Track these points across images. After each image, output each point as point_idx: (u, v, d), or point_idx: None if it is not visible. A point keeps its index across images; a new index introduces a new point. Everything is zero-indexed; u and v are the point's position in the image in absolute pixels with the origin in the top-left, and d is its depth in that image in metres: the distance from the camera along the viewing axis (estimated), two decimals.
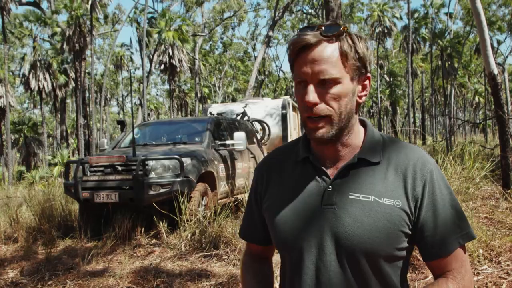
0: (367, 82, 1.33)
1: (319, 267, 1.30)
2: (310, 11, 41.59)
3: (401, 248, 1.28)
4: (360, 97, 1.32)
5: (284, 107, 12.17)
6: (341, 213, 1.28)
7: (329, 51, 1.24)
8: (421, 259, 4.53)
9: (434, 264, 1.31)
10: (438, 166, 1.33)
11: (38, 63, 35.05)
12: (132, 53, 54.21)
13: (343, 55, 1.25)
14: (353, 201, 1.28)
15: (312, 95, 1.25)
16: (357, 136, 1.35)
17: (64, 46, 33.44)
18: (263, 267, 1.58)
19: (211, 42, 50.76)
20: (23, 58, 36.27)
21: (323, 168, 1.34)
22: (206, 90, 52.59)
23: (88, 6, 31.97)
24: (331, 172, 1.34)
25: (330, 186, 1.31)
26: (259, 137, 11.15)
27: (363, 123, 1.41)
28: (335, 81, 1.25)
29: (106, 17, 39.63)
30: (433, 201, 1.27)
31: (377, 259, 1.26)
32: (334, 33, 1.25)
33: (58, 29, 33.81)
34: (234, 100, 50.97)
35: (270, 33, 24.33)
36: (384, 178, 1.29)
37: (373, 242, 1.24)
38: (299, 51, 1.27)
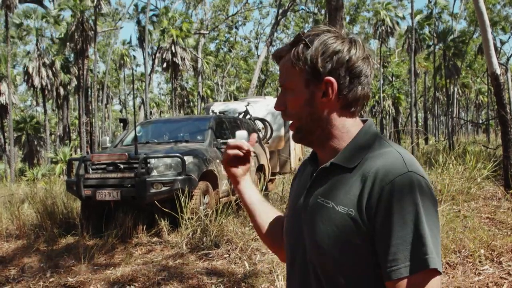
0: (329, 87, 1.25)
1: (295, 265, 1.35)
2: (314, 10, 41.53)
3: (356, 261, 1.20)
4: (323, 103, 1.27)
5: None
6: (308, 217, 1.29)
7: (284, 61, 1.32)
8: None
9: (387, 285, 1.16)
10: (412, 177, 1.16)
11: (41, 61, 35.10)
12: (134, 50, 54.14)
13: (291, 62, 1.29)
14: (318, 206, 1.27)
15: (276, 101, 1.36)
16: (343, 140, 1.31)
17: (67, 43, 33.53)
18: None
19: (217, 41, 50.63)
20: (28, 54, 36.32)
21: (314, 171, 1.37)
22: (208, 91, 52.57)
23: (90, 3, 32.00)
24: None
25: (308, 189, 1.34)
26: (261, 135, 11.15)
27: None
28: (289, 88, 1.32)
29: (108, 14, 39.63)
30: (388, 217, 1.14)
31: (331, 266, 1.22)
32: (289, 43, 1.32)
33: (63, 27, 33.87)
34: (236, 99, 50.96)
35: (273, 34, 24.31)
36: (350, 184, 1.23)
37: (325, 249, 1.21)
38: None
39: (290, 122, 1.36)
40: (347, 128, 1.31)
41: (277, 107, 1.36)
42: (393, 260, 1.13)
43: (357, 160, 1.26)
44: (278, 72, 1.38)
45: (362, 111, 1.37)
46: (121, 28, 43.34)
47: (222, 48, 50.96)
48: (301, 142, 1.37)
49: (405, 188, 1.15)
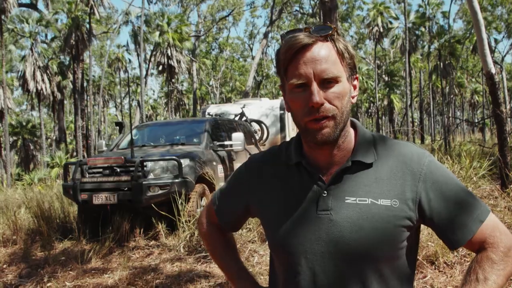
0: (356, 82, 1.33)
1: (317, 272, 1.28)
2: (308, 11, 41.55)
3: (402, 248, 1.27)
4: (353, 97, 1.32)
5: (282, 107, 12.15)
6: (338, 218, 1.25)
7: (327, 50, 1.23)
8: (419, 258, 4.54)
9: (466, 246, 1.30)
10: (431, 155, 1.32)
11: (36, 65, 35.03)
12: (129, 53, 54.13)
13: (340, 54, 1.25)
14: (350, 205, 1.26)
15: (318, 95, 1.21)
16: (350, 137, 1.34)
17: (63, 47, 33.51)
18: (229, 238, 1.68)
19: (206, 44, 50.72)
20: (23, 58, 36.26)
21: (317, 173, 1.32)
22: (204, 93, 52.60)
23: (86, 8, 32.02)
24: (325, 177, 1.32)
25: (325, 192, 1.29)
26: (257, 137, 11.15)
27: (353, 124, 1.38)
28: (336, 80, 1.23)
29: (101, 21, 39.58)
30: (440, 190, 1.26)
31: (377, 262, 1.25)
32: (328, 32, 1.24)
33: (58, 31, 33.88)
34: (230, 101, 51.04)
35: (268, 35, 24.30)
36: (380, 178, 1.27)
37: (372, 246, 1.23)
38: (294, 54, 1.24)
39: (321, 117, 1.23)
40: (349, 126, 1.36)
41: (321, 101, 1.21)
42: (460, 224, 1.27)
43: (371, 154, 1.30)
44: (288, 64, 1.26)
45: (357, 112, 1.39)
46: (113, 32, 43.24)
47: (214, 50, 51.07)
48: (334, 139, 1.27)
49: (437, 164, 1.31)
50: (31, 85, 34.86)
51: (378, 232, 1.23)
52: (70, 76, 36.93)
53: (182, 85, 55.78)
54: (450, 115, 44.09)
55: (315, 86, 1.22)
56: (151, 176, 6.97)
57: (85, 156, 31.55)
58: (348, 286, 1.26)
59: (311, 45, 1.23)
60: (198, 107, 45.23)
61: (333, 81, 1.23)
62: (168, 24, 37.33)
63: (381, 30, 42.28)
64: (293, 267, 1.33)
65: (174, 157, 6.94)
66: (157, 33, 36.68)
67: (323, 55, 1.22)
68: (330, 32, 1.25)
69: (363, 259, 1.24)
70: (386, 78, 52.82)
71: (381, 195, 1.25)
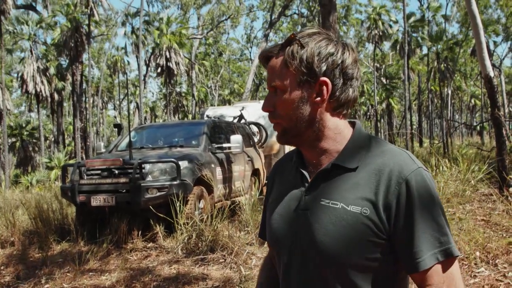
0: (324, 87, 1.27)
1: (289, 270, 1.32)
2: (306, 13, 41.55)
3: (372, 259, 1.22)
4: (316, 103, 1.29)
5: None
6: (312, 219, 1.27)
7: (276, 61, 1.31)
8: None
9: (413, 277, 1.23)
10: (423, 172, 1.23)
11: (35, 67, 35.00)
12: (128, 55, 54.06)
13: (284, 63, 1.28)
14: (323, 207, 1.26)
15: (264, 102, 1.35)
16: (337, 141, 1.32)
17: (62, 49, 33.48)
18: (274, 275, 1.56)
19: (206, 46, 50.75)
20: (22, 60, 36.24)
21: (305, 173, 1.35)
22: (202, 95, 52.60)
23: (86, 9, 32.04)
24: (311, 177, 1.34)
25: (307, 191, 1.31)
26: (256, 139, 11.15)
27: (353, 126, 1.37)
28: (281, 89, 1.30)
29: (100, 23, 39.54)
30: (409, 211, 1.19)
31: (344, 268, 1.22)
32: (283, 44, 1.31)
33: (57, 32, 33.85)
34: (229, 103, 51.06)
35: (267, 39, 24.32)
36: (357, 184, 1.25)
37: (337, 250, 1.21)
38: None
39: (274, 122, 1.35)
40: (340, 129, 1.33)
41: (265, 108, 1.34)
42: (418, 252, 1.19)
43: (357, 160, 1.28)
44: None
45: (356, 115, 1.37)
46: (114, 35, 43.22)
47: (213, 53, 51.10)
48: (287, 143, 1.36)
49: (421, 183, 1.21)
50: (30, 87, 34.81)
51: (343, 238, 1.21)
52: (69, 77, 36.89)
53: (181, 87, 55.79)
54: (449, 118, 44.13)
55: (267, 95, 1.36)
56: (149, 178, 6.97)
57: (84, 157, 31.53)
58: (312, 286, 1.28)
59: (273, 57, 1.33)
60: (197, 109, 45.22)
61: (279, 89, 1.31)
62: (168, 25, 37.36)
63: (380, 33, 42.28)
64: (278, 262, 1.39)
65: (172, 159, 6.94)
66: (157, 33, 36.72)
67: (271, 66, 1.33)
68: (282, 44, 1.31)
69: (329, 263, 1.24)
70: (385, 81, 52.86)
71: (353, 201, 1.23)
